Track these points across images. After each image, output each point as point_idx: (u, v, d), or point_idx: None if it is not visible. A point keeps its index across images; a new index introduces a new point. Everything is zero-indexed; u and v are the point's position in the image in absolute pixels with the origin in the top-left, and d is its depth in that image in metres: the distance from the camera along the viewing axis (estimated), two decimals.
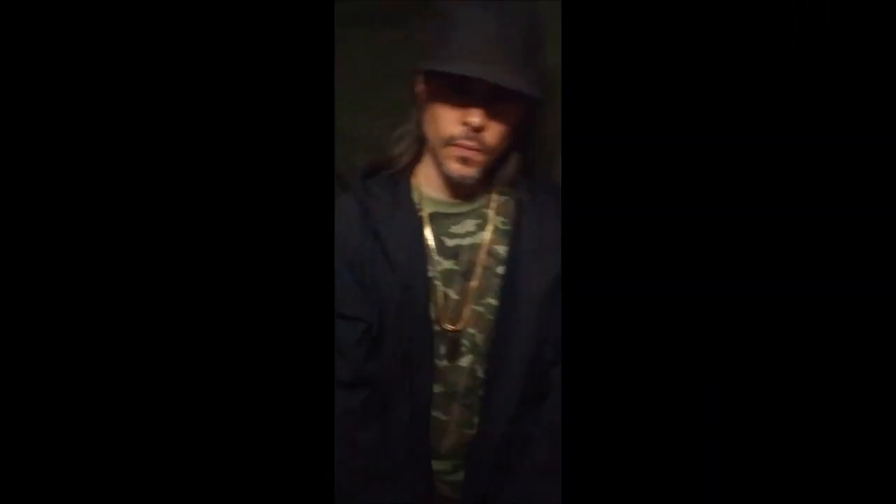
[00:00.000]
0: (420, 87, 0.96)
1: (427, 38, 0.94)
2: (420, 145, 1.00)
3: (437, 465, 1.00)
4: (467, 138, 0.92)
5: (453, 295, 0.98)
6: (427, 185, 1.01)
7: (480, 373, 0.98)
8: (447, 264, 0.98)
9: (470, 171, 0.95)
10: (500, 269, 0.98)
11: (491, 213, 1.00)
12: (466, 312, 0.98)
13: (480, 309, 0.98)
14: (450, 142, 0.93)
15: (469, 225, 1.00)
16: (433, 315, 0.97)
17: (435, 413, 0.99)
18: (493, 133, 0.93)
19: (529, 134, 1.00)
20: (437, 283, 0.97)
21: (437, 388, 0.98)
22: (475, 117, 0.91)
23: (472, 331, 0.98)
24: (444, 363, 0.98)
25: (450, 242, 0.99)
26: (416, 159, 1.01)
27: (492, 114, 0.92)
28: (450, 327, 0.97)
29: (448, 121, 0.93)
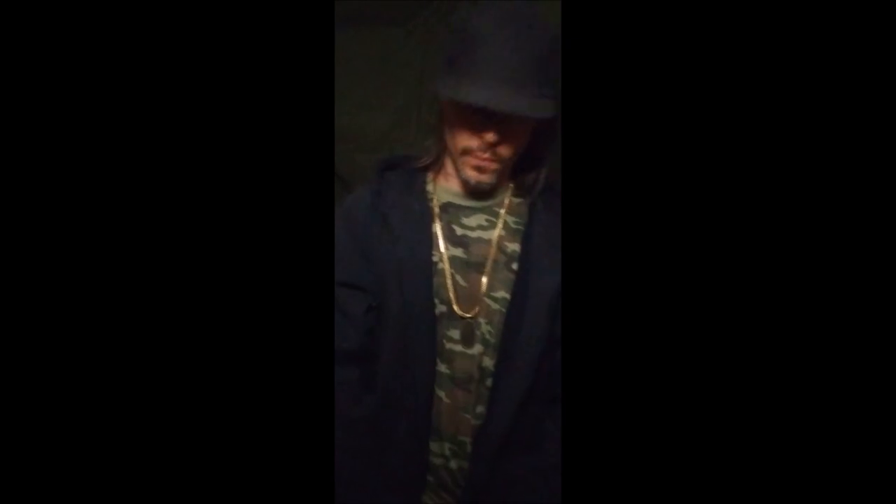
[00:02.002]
0: (442, 103, 1.03)
1: (444, 53, 0.99)
2: (441, 150, 1.07)
3: (434, 446, 1.03)
4: (482, 150, 0.99)
5: (462, 282, 1.02)
6: (444, 180, 1.07)
7: (489, 363, 1.01)
8: (455, 252, 1.03)
9: (485, 178, 1.02)
10: (513, 265, 1.02)
11: (503, 211, 1.06)
12: (479, 302, 1.02)
13: (492, 302, 1.02)
14: (466, 152, 1.00)
15: (480, 219, 1.05)
16: (443, 298, 1.01)
17: (438, 393, 1.02)
18: (508, 147, 1.00)
19: (550, 143, 1.06)
20: (444, 267, 1.02)
21: (443, 369, 1.01)
22: (490, 135, 0.97)
23: (483, 321, 1.02)
24: (456, 348, 1.01)
25: (459, 231, 1.04)
26: (436, 160, 1.07)
27: (507, 131, 0.98)
28: (462, 314, 1.01)
29: (465, 135, 0.99)
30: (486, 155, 0.99)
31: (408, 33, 1.30)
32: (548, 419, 1.03)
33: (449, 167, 1.06)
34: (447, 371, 1.01)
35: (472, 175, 1.01)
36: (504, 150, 1.00)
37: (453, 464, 1.02)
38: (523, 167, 1.06)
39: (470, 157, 1.00)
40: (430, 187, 1.07)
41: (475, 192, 1.05)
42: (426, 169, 1.07)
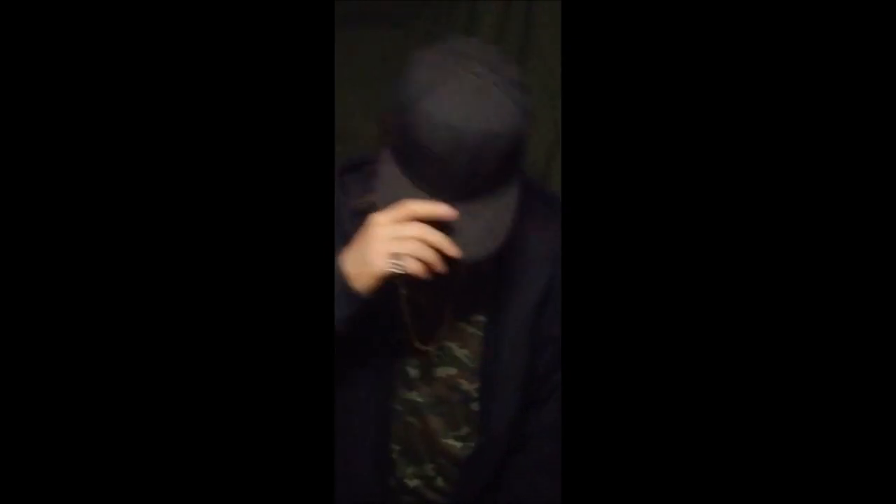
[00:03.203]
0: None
1: None
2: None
3: (413, 469, 1.01)
4: None
5: (428, 314, 0.94)
6: None
7: (466, 386, 0.97)
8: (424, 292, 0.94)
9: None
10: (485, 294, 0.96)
11: None
12: (444, 328, 0.95)
13: (464, 324, 0.96)
14: None
15: None
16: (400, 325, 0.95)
17: (409, 419, 0.98)
18: None
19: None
20: (404, 291, 0.94)
21: (413, 396, 0.97)
22: None
23: (451, 344, 0.97)
24: (415, 372, 0.98)
25: None
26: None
27: None
28: (421, 347, 0.95)
29: None
30: None
31: (407, 34, 1.30)
32: (544, 420, 1.00)
33: None
34: (418, 398, 0.97)
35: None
36: None
37: (440, 481, 1.00)
38: None
39: None
40: None
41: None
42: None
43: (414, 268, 0.80)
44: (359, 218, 0.89)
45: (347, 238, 0.88)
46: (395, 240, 0.80)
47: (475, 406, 0.97)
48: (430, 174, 0.79)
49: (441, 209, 0.79)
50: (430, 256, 0.80)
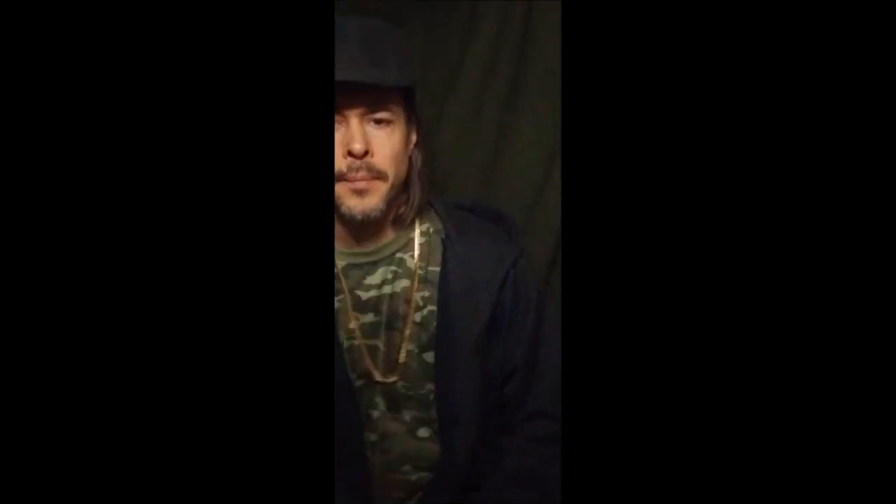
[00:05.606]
0: None
1: None
2: None
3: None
4: (356, 169, 0.88)
5: (381, 346, 0.96)
6: (336, 235, 0.96)
7: (425, 432, 0.98)
8: (366, 318, 0.96)
9: (371, 203, 0.90)
10: (430, 321, 0.96)
11: (408, 258, 0.97)
12: (400, 365, 0.96)
13: (415, 364, 0.96)
14: (340, 178, 0.89)
15: (385, 273, 0.97)
16: (361, 371, 0.96)
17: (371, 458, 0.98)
18: (382, 155, 0.90)
19: (427, 152, 0.99)
20: (357, 338, 0.96)
21: (373, 437, 0.97)
22: (356, 142, 0.87)
23: (407, 384, 0.97)
24: (378, 413, 0.97)
25: (365, 296, 0.96)
26: None
27: (374, 134, 0.89)
28: (382, 379, 0.96)
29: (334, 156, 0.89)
30: (362, 174, 0.88)
31: (407, 34, 1.30)
32: (506, 449, 0.99)
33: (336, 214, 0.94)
34: (375, 438, 0.97)
35: (354, 205, 0.90)
36: (380, 161, 0.89)
37: None
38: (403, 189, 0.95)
39: (345, 183, 0.89)
40: None
41: (367, 231, 0.94)
42: None
43: None
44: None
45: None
46: None
47: (436, 444, 0.97)
48: None
49: None
50: None
